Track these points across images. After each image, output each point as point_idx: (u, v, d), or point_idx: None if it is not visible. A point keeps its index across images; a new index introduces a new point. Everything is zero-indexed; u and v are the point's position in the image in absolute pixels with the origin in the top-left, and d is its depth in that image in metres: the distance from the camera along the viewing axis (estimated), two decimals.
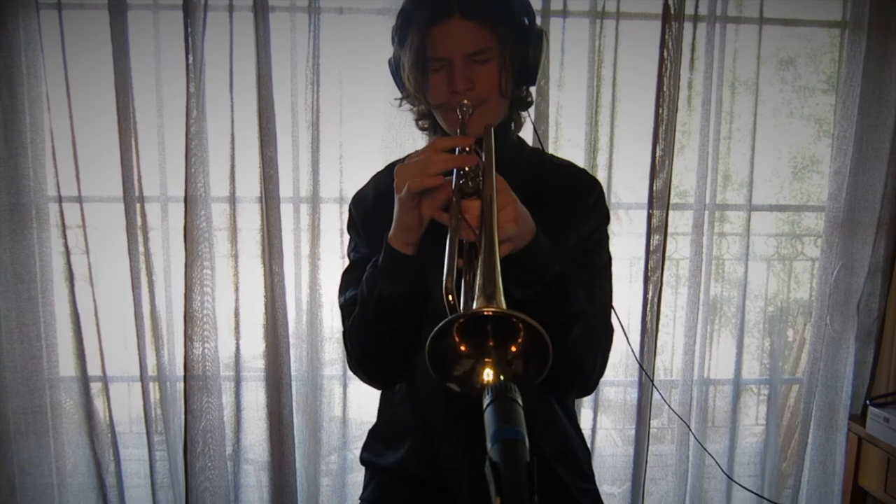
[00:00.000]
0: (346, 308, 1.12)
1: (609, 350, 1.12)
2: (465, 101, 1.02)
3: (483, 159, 0.94)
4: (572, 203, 1.11)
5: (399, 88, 1.13)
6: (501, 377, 0.70)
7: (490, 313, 0.67)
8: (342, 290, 1.16)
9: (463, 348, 0.69)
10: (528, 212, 0.94)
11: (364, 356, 1.11)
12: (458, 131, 1.03)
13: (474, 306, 0.69)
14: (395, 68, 1.11)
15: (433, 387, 1.10)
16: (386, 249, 0.99)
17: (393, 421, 1.19)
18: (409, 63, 1.04)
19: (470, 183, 0.90)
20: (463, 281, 0.83)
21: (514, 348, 0.68)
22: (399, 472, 1.16)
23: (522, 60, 1.07)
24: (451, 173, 0.93)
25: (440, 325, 0.67)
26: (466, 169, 0.90)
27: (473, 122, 1.03)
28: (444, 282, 0.77)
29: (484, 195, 0.87)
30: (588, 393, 1.22)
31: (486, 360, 0.69)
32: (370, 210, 1.16)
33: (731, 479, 2.23)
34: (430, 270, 0.99)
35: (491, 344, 0.70)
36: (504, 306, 0.68)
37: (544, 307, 0.95)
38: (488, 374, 0.70)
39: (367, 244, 1.14)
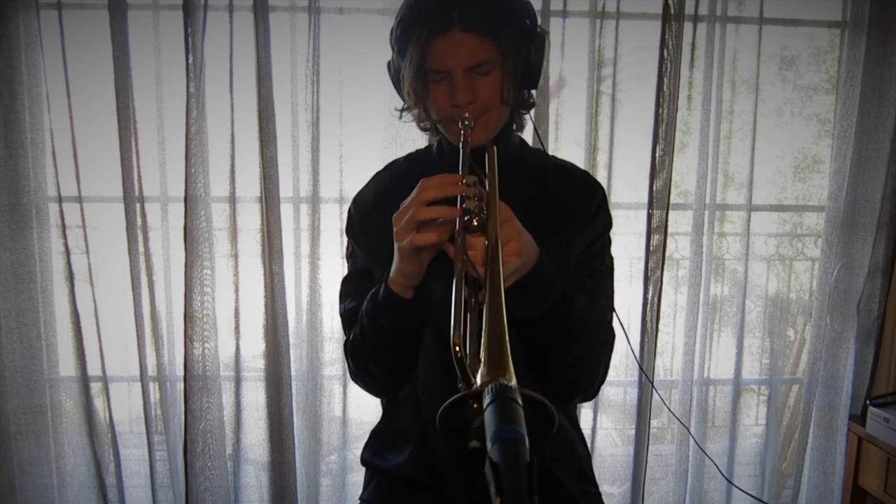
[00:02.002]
0: (347, 319, 1.13)
1: (611, 355, 1.12)
2: (467, 115, 1.00)
3: (486, 188, 0.92)
4: (575, 206, 1.10)
5: (400, 96, 1.13)
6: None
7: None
8: (342, 298, 1.16)
9: (475, 406, 0.68)
10: (532, 216, 0.93)
11: (365, 373, 1.12)
12: (461, 144, 1.01)
13: (479, 380, 0.64)
14: (395, 77, 1.10)
15: (434, 390, 1.10)
16: (385, 292, 0.98)
17: (396, 423, 1.19)
18: (409, 76, 1.02)
19: (475, 221, 0.86)
20: (469, 314, 0.80)
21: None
22: (400, 474, 1.16)
23: (525, 65, 1.06)
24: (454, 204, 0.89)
25: (446, 404, 0.64)
26: (472, 208, 0.86)
27: (476, 134, 1.02)
28: (451, 337, 0.74)
29: (489, 234, 0.84)
30: (590, 398, 1.22)
31: None
32: (370, 210, 1.16)
33: (731, 483, 2.23)
34: (431, 273, 0.99)
35: None
36: (513, 378, 0.64)
37: (548, 326, 0.95)
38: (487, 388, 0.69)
39: (366, 247, 1.14)
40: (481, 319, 0.72)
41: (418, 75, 1.02)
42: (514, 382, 0.64)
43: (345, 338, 1.14)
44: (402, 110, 1.14)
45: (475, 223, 0.85)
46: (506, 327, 0.70)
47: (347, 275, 1.18)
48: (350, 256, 1.19)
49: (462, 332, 0.76)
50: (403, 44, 1.03)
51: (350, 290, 1.14)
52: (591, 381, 1.09)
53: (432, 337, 1.05)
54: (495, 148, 1.02)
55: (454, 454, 1.10)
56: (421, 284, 0.98)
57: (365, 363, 1.09)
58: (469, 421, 0.65)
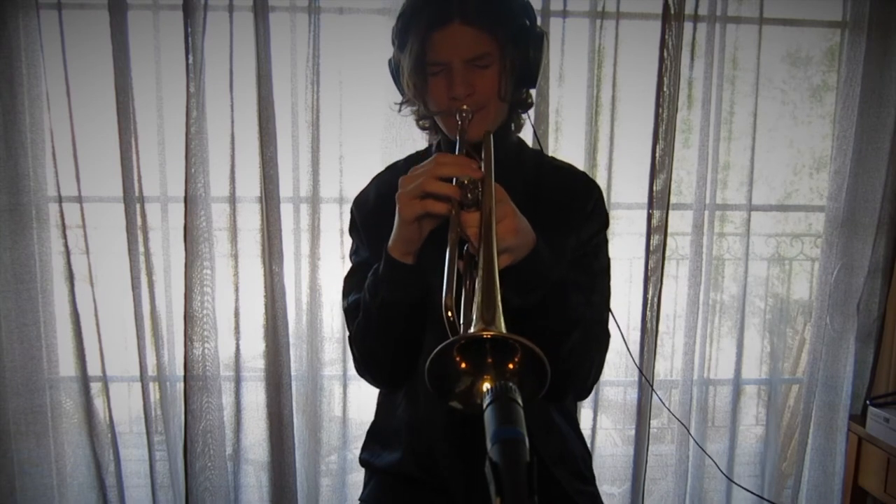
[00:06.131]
0: (350, 312, 1.13)
1: (605, 355, 1.12)
2: (465, 107, 1.01)
3: (482, 169, 0.94)
4: (571, 207, 1.11)
5: (399, 91, 1.13)
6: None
7: (489, 336, 0.66)
8: (345, 294, 1.16)
9: (463, 366, 0.69)
10: (528, 216, 0.93)
11: (370, 361, 1.11)
12: (458, 136, 1.02)
13: (472, 329, 0.68)
14: (395, 71, 1.11)
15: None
16: (385, 258, 0.99)
17: (390, 420, 1.19)
18: (408, 68, 1.03)
19: (469, 195, 0.89)
20: (463, 289, 0.83)
21: (511, 366, 0.67)
22: (396, 472, 1.16)
23: (523, 63, 1.07)
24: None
25: (438, 348, 0.66)
26: (465, 181, 0.90)
27: (473, 127, 1.03)
28: (443, 299, 0.76)
29: (483, 208, 0.86)
30: (583, 397, 1.22)
31: (485, 376, 0.69)
32: (372, 211, 1.16)
33: (731, 481, 2.23)
34: (431, 275, 0.99)
35: (490, 361, 0.69)
36: (503, 328, 0.67)
37: (543, 314, 0.95)
38: (487, 388, 0.70)
39: (369, 246, 1.14)
40: (475, 292, 0.73)
41: (417, 66, 1.03)
42: (502, 328, 0.65)
43: (348, 333, 1.15)
44: (400, 104, 1.15)
45: (469, 197, 0.89)
46: (497, 286, 0.71)
47: (350, 270, 1.18)
48: (354, 253, 1.20)
49: (454, 296, 0.77)
50: (404, 37, 1.05)
51: (353, 285, 1.14)
52: (583, 378, 1.09)
53: (434, 337, 1.05)
54: (492, 136, 1.02)
55: (451, 448, 1.10)
56: (421, 268, 0.98)
57: (368, 346, 1.09)
58: (454, 376, 0.67)
